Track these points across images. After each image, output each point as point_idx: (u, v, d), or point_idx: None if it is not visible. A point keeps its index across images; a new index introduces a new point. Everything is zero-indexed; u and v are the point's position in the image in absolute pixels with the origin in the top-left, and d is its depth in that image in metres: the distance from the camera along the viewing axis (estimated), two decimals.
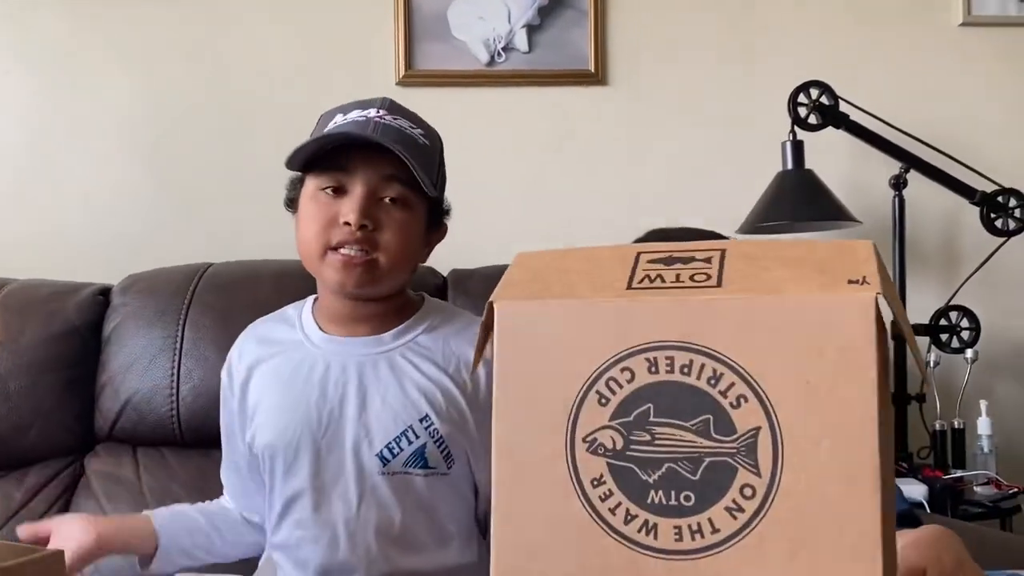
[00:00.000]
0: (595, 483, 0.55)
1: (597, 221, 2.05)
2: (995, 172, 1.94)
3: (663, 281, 0.58)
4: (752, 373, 0.54)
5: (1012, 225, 1.92)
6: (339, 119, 1.03)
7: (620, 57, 2.08)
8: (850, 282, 0.55)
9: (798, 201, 1.88)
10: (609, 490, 0.55)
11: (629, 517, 0.54)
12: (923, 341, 1.91)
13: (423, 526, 1.05)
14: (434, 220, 1.10)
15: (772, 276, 0.56)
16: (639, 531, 0.54)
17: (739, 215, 1.93)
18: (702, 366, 0.54)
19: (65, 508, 1.48)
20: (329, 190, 1.02)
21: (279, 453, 1.05)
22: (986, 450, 1.82)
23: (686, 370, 0.55)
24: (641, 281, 0.58)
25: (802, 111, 1.90)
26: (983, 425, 1.83)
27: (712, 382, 0.54)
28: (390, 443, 1.03)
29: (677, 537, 0.53)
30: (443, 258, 1.65)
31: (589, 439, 0.56)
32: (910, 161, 1.91)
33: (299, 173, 1.08)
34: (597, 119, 2.08)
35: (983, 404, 1.84)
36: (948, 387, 1.92)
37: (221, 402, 1.15)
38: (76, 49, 2.02)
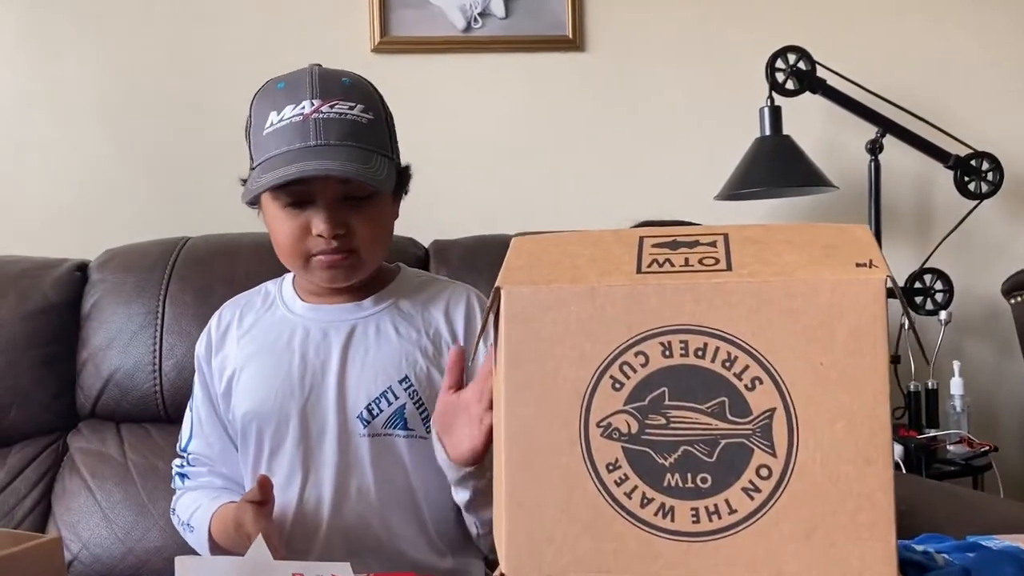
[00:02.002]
0: (610, 468, 0.55)
1: (576, 188, 2.05)
2: (969, 136, 1.96)
3: (672, 265, 0.58)
4: (766, 355, 0.54)
5: (985, 188, 1.95)
6: (274, 119, 1.00)
7: (598, 23, 2.06)
8: (858, 265, 0.56)
9: (776, 167, 1.88)
10: (625, 474, 0.55)
11: (645, 500, 0.55)
12: (897, 302, 1.93)
13: (405, 497, 1.05)
14: (400, 183, 1.09)
15: (782, 260, 0.56)
16: (656, 514, 0.54)
17: (717, 181, 1.93)
18: (716, 349, 0.55)
19: (49, 487, 1.46)
20: (290, 203, 1.01)
21: (263, 420, 1.05)
22: (959, 410, 1.86)
23: (700, 353, 0.55)
24: (650, 265, 0.58)
25: (780, 76, 1.91)
26: (956, 385, 1.87)
27: (727, 365, 0.55)
28: (370, 404, 1.04)
29: (694, 519, 0.54)
30: (423, 228, 1.64)
31: (603, 424, 0.56)
32: (886, 126, 1.92)
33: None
34: (575, 85, 2.06)
35: (956, 365, 1.87)
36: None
37: (196, 375, 1.14)
38: (43, 19, 1.96)
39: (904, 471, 1.70)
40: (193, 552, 1.07)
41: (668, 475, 0.55)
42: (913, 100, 1.98)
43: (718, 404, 0.55)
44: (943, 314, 1.90)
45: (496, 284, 0.59)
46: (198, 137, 1.98)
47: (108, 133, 1.98)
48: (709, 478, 0.54)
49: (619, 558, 0.55)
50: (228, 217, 1.78)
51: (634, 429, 0.55)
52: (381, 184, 1.00)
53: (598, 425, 0.56)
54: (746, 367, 0.54)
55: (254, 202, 1.08)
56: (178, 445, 1.15)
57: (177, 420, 1.47)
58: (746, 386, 0.54)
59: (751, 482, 0.54)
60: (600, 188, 2.05)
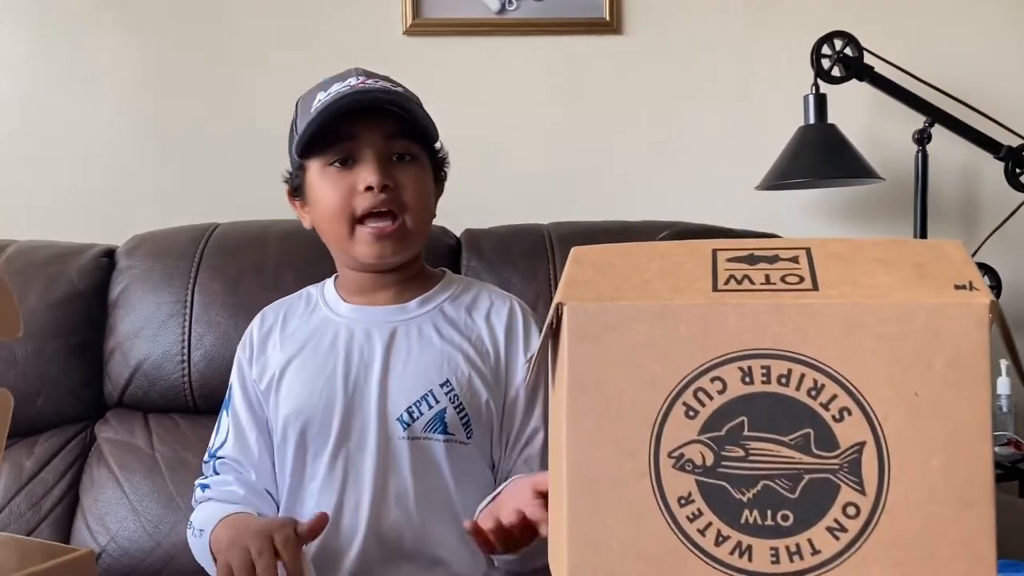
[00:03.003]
0: (682, 502, 0.51)
1: (612, 176, 2.00)
2: (1021, 125, 1.89)
3: (751, 283, 0.53)
4: (856, 384, 0.50)
5: None
6: (322, 97, 1.03)
7: (636, 5, 1.99)
8: (957, 287, 0.51)
9: (820, 157, 1.82)
10: (698, 509, 0.51)
11: (721, 538, 0.51)
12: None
13: (443, 503, 1.03)
14: (436, 171, 1.11)
15: (874, 280, 0.52)
16: (732, 553, 0.50)
17: (758, 170, 1.87)
18: (802, 376, 0.51)
19: (77, 477, 1.44)
20: (337, 163, 1.03)
21: (307, 420, 1.04)
22: (1005, 410, 1.81)
23: (784, 380, 0.51)
24: (727, 282, 0.54)
25: (825, 63, 1.84)
26: (1002, 385, 1.81)
27: (813, 393, 0.50)
28: (411, 407, 1.02)
29: (774, 559, 0.50)
30: (455, 216, 1.60)
31: (675, 455, 0.52)
32: (935, 115, 1.86)
33: (297, 161, 1.07)
34: (612, 70, 2.01)
35: (1003, 364, 1.82)
36: None
37: (235, 377, 1.12)
38: (70, 1, 1.93)
39: None
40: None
41: (746, 511, 0.51)
42: (963, 88, 1.90)
43: (802, 436, 0.50)
44: None
45: (557, 299, 0.55)
46: (226, 121, 1.95)
47: (135, 117, 1.95)
48: (791, 516, 0.50)
49: None
50: (254, 201, 1.76)
51: (709, 461, 0.51)
52: (429, 128, 1.04)
53: (669, 456, 0.52)
54: (834, 396, 0.50)
55: (298, 189, 1.09)
56: (207, 453, 1.11)
57: (206, 411, 1.45)
58: (833, 417, 0.50)
59: (837, 521, 0.50)
60: (637, 176, 2.00)
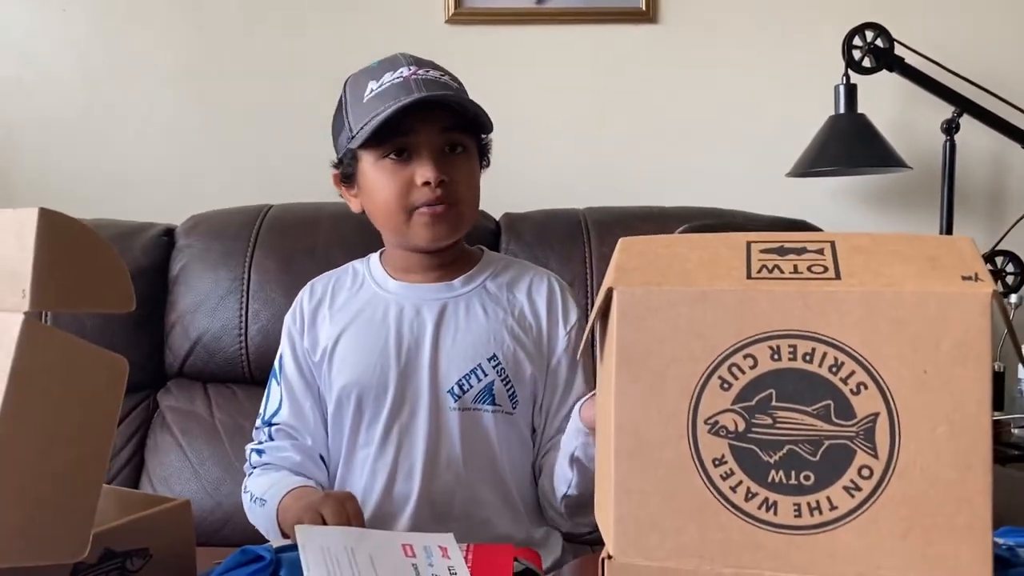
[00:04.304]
0: (716, 462, 0.59)
1: (647, 162, 2.06)
2: None
3: (781, 272, 0.60)
4: (872, 362, 0.57)
5: None
6: (373, 87, 1.06)
7: None
8: (964, 278, 0.57)
9: (849, 146, 1.87)
10: (730, 469, 0.58)
11: (750, 495, 0.58)
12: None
13: (490, 469, 1.10)
14: (481, 157, 1.15)
15: (891, 271, 0.59)
16: (759, 508, 0.58)
17: (789, 158, 1.93)
18: (824, 354, 0.57)
19: (142, 442, 1.54)
20: (393, 155, 1.07)
21: (363, 390, 1.10)
22: None
23: (808, 358, 0.58)
24: (759, 271, 0.61)
25: (856, 54, 1.89)
26: (1023, 371, 1.86)
27: (833, 370, 0.57)
28: (461, 380, 1.09)
29: (796, 513, 0.57)
30: (494, 201, 1.67)
31: (711, 421, 0.59)
32: (963, 105, 1.90)
33: (349, 150, 1.10)
34: (648, 58, 2.06)
35: None
36: None
37: (286, 347, 1.16)
38: None
39: None
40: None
41: (772, 472, 0.58)
42: (992, 79, 1.94)
43: (823, 407, 0.57)
44: (1013, 297, 1.89)
45: (608, 284, 0.62)
46: (275, 106, 2.03)
47: (188, 102, 2.04)
48: (812, 476, 0.57)
49: (723, 547, 0.58)
50: (305, 186, 1.83)
51: (741, 427, 0.58)
52: (484, 120, 1.07)
53: (706, 422, 0.59)
54: (852, 372, 0.57)
55: (349, 177, 1.13)
56: (259, 419, 1.16)
57: (262, 382, 1.52)
58: (851, 391, 0.57)
59: (852, 481, 0.57)
60: (671, 163, 2.06)
